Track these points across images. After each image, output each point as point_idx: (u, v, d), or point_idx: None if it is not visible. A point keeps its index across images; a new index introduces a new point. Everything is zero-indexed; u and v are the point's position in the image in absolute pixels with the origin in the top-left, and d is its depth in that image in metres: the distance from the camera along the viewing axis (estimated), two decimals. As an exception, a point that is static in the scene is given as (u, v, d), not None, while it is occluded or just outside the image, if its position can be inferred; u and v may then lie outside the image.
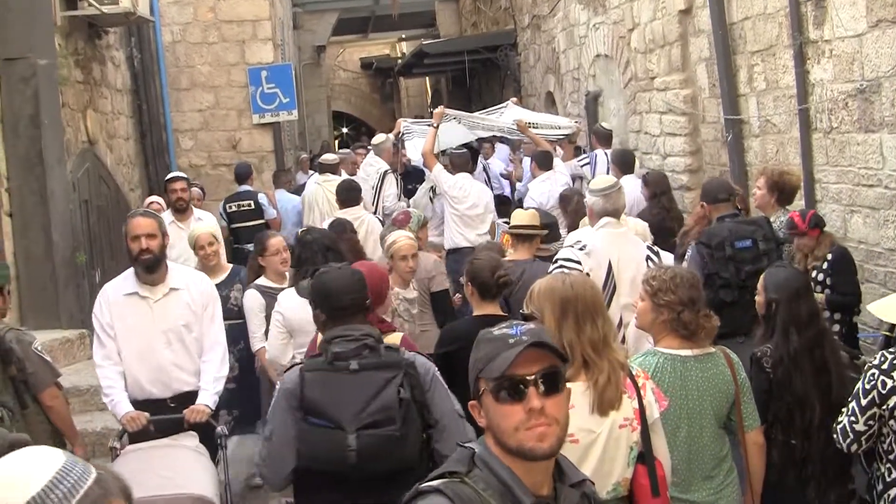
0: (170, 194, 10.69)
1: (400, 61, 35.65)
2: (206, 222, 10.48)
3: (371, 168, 13.38)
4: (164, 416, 6.39)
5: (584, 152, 13.77)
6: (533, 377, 2.72)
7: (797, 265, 7.33)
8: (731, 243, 7.32)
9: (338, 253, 7.50)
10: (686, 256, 7.67)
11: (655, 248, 7.17)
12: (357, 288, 4.96)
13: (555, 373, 2.77)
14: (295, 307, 7.11)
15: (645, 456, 4.22)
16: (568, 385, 2.83)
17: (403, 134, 13.85)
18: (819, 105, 8.58)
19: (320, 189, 12.70)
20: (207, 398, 6.50)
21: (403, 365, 4.60)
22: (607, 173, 11.76)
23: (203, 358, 6.65)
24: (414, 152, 13.60)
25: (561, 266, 6.67)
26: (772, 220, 7.89)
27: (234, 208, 13.56)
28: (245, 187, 14.06)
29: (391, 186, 12.98)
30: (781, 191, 7.98)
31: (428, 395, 4.64)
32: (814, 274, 7.18)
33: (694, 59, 11.52)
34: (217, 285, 7.68)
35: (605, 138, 13.16)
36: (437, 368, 4.84)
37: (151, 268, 6.43)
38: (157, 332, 6.49)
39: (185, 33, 17.45)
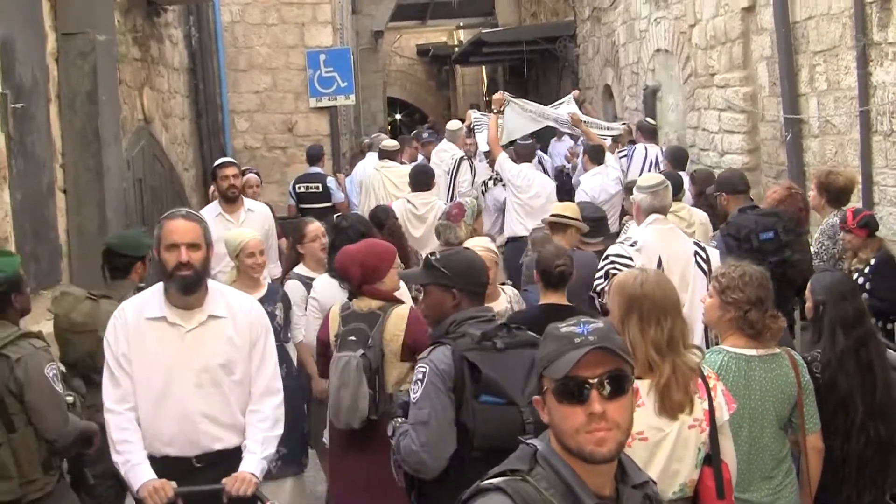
0: (220, 181, 9.82)
1: (457, 49, 35.62)
2: (258, 213, 9.99)
3: (445, 154, 13.68)
4: (196, 486, 4.91)
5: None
6: (596, 380, 2.68)
7: (845, 263, 7.34)
8: (757, 235, 7.45)
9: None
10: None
11: (702, 243, 7.25)
12: (486, 270, 5.05)
13: (619, 376, 2.72)
14: (330, 292, 7.07)
15: (712, 458, 4.24)
16: (637, 383, 2.80)
17: (474, 125, 13.93)
18: (880, 108, 8.47)
19: (378, 175, 12.77)
20: (254, 465, 4.99)
21: (539, 342, 4.60)
22: (642, 166, 12.02)
23: (252, 407, 5.12)
24: (483, 145, 13.67)
25: (612, 262, 6.83)
26: (825, 221, 7.84)
27: (302, 189, 13.88)
28: (315, 169, 14.40)
29: (466, 173, 13.10)
30: (828, 190, 7.93)
31: None
32: (855, 276, 7.15)
33: (755, 57, 11.40)
34: (259, 300, 6.79)
35: (649, 132, 13.39)
36: None
37: (190, 287, 4.96)
38: (187, 370, 4.99)
39: (244, 14, 17.46)
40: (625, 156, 12.91)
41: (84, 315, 6.16)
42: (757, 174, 11.61)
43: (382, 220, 9.10)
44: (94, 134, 9.58)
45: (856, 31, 8.64)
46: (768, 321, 4.93)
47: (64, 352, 6.23)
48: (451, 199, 12.36)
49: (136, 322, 5.00)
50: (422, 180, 11.13)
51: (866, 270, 7.16)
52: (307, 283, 7.68)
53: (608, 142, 13.38)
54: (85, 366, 6.13)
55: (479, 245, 7.08)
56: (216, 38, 16.21)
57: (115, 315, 5.09)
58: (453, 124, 14.78)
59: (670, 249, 6.91)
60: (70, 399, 5.59)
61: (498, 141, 12.31)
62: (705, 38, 12.75)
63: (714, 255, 7.05)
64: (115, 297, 6.13)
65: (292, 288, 7.82)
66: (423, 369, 4.58)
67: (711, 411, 4.25)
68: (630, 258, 6.76)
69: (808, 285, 5.71)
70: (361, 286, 6.04)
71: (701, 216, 9.07)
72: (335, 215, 9.16)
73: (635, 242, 6.95)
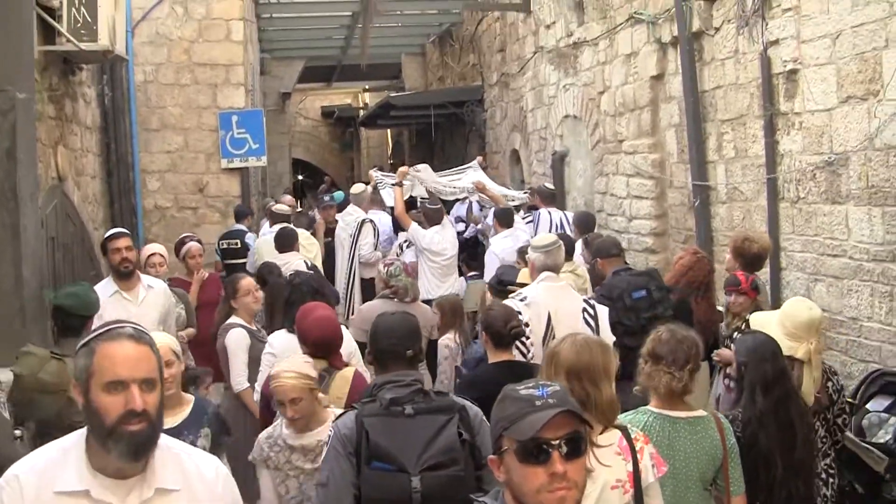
0: (112, 255, 8.90)
1: (363, 111, 35.73)
2: (157, 290, 8.87)
3: (350, 217, 14.00)
4: None
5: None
6: (558, 441, 2.80)
7: (727, 326, 7.62)
8: (630, 294, 8.03)
9: (324, 296, 7.68)
10: None
11: (592, 301, 7.60)
12: (399, 335, 5.08)
13: (577, 438, 2.84)
14: (287, 347, 7.10)
15: None
16: None
17: (377, 183, 14.87)
18: (787, 175, 8.79)
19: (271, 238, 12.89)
20: None
21: (456, 408, 4.68)
22: (549, 230, 12.42)
23: None
24: (389, 200, 14.61)
25: None
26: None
27: (225, 245, 14.45)
28: (238, 226, 15.01)
29: (368, 235, 13.44)
30: (742, 256, 8.17)
31: (478, 438, 4.66)
32: (735, 335, 7.36)
33: (663, 125, 11.73)
34: (177, 427, 5.52)
35: (548, 197, 13.85)
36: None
37: (143, 449, 3.21)
38: None
39: (157, 73, 17.33)
40: (530, 221, 13.20)
41: (52, 375, 6.08)
42: (665, 239, 11.89)
43: (266, 278, 9.62)
44: (11, 192, 9.44)
45: (763, 101, 8.99)
46: (663, 377, 4.98)
47: (29, 411, 6.15)
48: (352, 261, 12.83)
49: (39, 499, 3.18)
50: (285, 243, 11.64)
51: (744, 327, 7.32)
52: (249, 330, 8.11)
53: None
54: (49, 424, 6.08)
55: (291, 370, 5.58)
56: (129, 98, 16.09)
57: (2, 484, 3.26)
58: (357, 188, 15.24)
59: (559, 305, 7.29)
60: (18, 433, 5.60)
61: (405, 212, 12.86)
62: (614, 105, 13.05)
63: (602, 312, 7.42)
64: (70, 354, 6.18)
65: (237, 336, 8.05)
66: (330, 432, 4.70)
67: (636, 473, 4.29)
68: (520, 313, 6.95)
69: (734, 346, 5.94)
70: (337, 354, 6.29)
71: (583, 271, 9.91)
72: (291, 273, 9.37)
73: (524, 298, 7.31)
